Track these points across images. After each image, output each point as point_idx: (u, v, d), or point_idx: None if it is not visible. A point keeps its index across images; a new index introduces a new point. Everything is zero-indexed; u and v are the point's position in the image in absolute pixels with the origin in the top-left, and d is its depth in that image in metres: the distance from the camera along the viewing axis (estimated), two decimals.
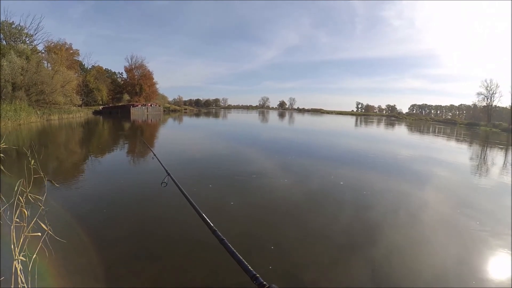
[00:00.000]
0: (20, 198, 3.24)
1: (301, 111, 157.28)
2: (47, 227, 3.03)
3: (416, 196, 9.29)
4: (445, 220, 7.38)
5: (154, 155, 4.32)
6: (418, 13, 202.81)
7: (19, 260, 2.76)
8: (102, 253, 4.83)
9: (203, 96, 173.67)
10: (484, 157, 21.15)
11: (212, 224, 1.57)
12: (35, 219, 2.96)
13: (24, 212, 3.11)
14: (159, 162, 3.75)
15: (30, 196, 3.20)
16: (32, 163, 3.33)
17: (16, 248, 2.79)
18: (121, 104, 68.65)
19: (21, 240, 2.84)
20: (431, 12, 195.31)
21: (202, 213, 1.77)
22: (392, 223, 6.84)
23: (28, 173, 3.22)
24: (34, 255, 2.87)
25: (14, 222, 2.96)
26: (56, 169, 11.22)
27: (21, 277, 2.74)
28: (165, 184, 3.03)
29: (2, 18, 44.81)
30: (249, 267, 1.12)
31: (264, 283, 1.00)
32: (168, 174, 3.04)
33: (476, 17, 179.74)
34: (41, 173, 3.36)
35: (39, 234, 2.94)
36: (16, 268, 2.71)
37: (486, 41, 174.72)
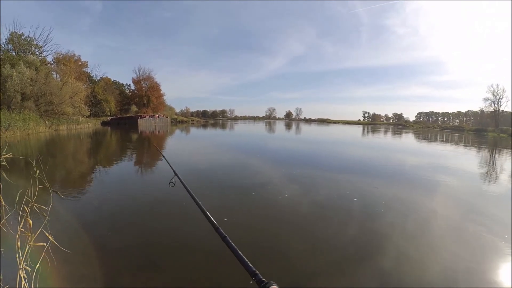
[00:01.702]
0: (26, 207, 3.27)
1: (308, 121, 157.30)
2: (51, 237, 3.05)
3: (425, 203, 9.21)
4: (454, 227, 7.31)
5: (163, 156, 4.35)
6: (422, 21, 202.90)
7: (24, 269, 2.78)
8: (107, 264, 4.83)
9: (209, 107, 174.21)
10: (493, 163, 20.98)
11: (215, 222, 1.59)
12: (40, 229, 2.99)
13: (29, 221, 3.13)
14: (167, 162, 3.77)
15: (35, 206, 3.23)
16: (37, 174, 3.36)
17: (21, 257, 2.81)
18: (129, 115, 69.27)
19: (26, 249, 2.87)
20: (435, 19, 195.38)
21: (205, 210, 1.79)
22: (401, 231, 6.77)
23: (33, 183, 3.25)
24: (38, 265, 2.88)
25: (19, 231, 2.99)
26: (63, 179, 11.29)
27: (25, 286, 2.76)
28: (172, 184, 3.06)
29: (12, 29, 45.60)
30: (250, 264, 1.14)
31: (263, 279, 1.01)
32: (176, 175, 3.07)
33: (480, 22, 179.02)
34: (47, 184, 3.39)
35: (44, 244, 2.96)
36: (20, 277, 2.73)
37: (492, 46, 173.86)
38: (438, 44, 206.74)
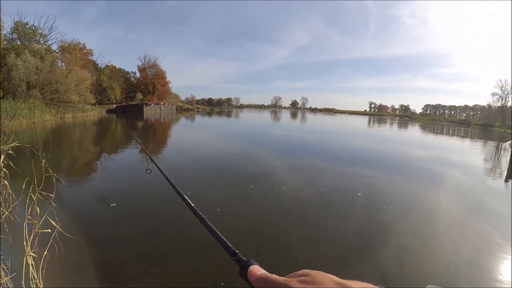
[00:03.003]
0: (32, 195, 3.30)
1: (314, 110, 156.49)
2: (57, 225, 3.08)
3: (428, 197, 9.21)
4: (457, 222, 7.33)
5: (139, 143, 4.36)
6: (431, 12, 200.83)
7: (31, 256, 2.82)
8: (112, 251, 4.89)
9: (215, 95, 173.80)
10: (498, 158, 20.81)
11: (193, 205, 1.60)
12: (44, 216, 3.02)
13: (36, 209, 3.17)
14: (144, 149, 3.78)
15: (41, 194, 3.27)
16: (43, 162, 3.39)
17: (28, 244, 2.85)
18: (134, 103, 69.09)
19: (32, 236, 2.90)
20: (444, 11, 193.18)
21: (183, 194, 1.80)
22: (404, 224, 6.79)
23: (39, 172, 3.29)
24: (45, 252, 2.92)
25: (26, 219, 3.02)
26: (69, 167, 11.35)
27: (33, 273, 2.80)
28: (149, 171, 3.08)
29: (16, 19, 45.58)
30: (229, 244, 1.10)
31: (243, 258, 0.97)
32: (152, 161, 3.09)
33: (490, 16, 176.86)
34: (51, 172, 3.43)
35: (49, 230, 2.99)
36: (28, 264, 2.77)
37: (502, 40, 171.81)
38: (447, 36, 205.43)
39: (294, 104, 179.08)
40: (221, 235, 1.21)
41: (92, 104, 51.89)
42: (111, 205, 5.88)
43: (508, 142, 29.32)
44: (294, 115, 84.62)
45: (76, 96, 43.18)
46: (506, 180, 12.79)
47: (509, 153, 22.34)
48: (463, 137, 38.67)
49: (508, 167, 15.66)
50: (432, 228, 6.68)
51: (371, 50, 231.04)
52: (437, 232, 6.48)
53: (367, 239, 5.89)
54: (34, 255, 2.85)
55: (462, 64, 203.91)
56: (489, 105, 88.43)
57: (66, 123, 32.31)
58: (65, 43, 55.05)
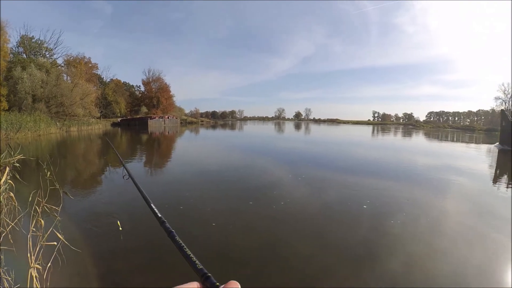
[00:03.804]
0: (37, 208, 3.32)
1: (317, 121, 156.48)
2: (62, 237, 3.09)
3: (436, 204, 9.16)
4: (465, 229, 7.27)
5: (114, 150, 4.34)
6: (431, 18, 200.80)
7: (35, 268, 2.83)
8: (116, 264, 4.88)
9: (219, 108, 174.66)
10: (503, 163, 20.78)
11: (160, 215, 1.52)
12: (51, 229, 3.03)
13: (41, 222, 3.18)
14: (118, 155, 3.76)
15: (46, 206, 3.28)
16: (48, 175, 3.40)
17: (32, 257, 2.86)
18: (139, 117, 69.57)
19: (37, 248, 2.91)
20: (444, 17, 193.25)
21: (151, 203, 1.73)
22: (411, 232, 6.75)
23: (44, 184, 3.29)
24: (49, 264, 2.92)
25: (30, 231, 3.04)
26: (74, 179, 11.40)
27: (37, 285, 2.80)
28: (127, 177, 3.04)
29: (23, 33, 46.22)
30: (198, 265, 0.93)
31: (217, 284, 0.84)
32: (124, 167, 3.05)
33: (491, 19, 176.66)
34: (57, 185, 3.44)
35: (55, 243, 3.00)
36: (32, 276, 2.77)
37: (503, 43, 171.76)
38: (448, 42, 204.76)
39: (297, 115, 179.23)
40: (190, 252, 1.08)
41: (97, 118, 52.26)
42: (118, 223, 5.85)
43: (495, 144, 30.70)
44: (297, 127, 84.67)
45: (81, 110, 43.62)
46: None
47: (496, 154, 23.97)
48: (467, 142, 38.87)
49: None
50: (440, 234, 6.64)
51: (374, 59, 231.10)
52: (444, 237, 6.45)
53: (375, 249, 5.85)
54: (39, 267, 2.85)
55: (463, 70, 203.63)
56: (493, 110, 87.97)
57: (71, 136, 32.55)
58: (70, 57, 55.91)
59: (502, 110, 28.94)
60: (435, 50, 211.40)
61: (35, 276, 2.80)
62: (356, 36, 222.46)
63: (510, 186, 12.16)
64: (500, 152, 25.62)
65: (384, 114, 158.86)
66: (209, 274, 0.88)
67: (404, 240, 6.29)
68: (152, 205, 1.74)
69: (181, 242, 1.19)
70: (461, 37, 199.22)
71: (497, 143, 29.99)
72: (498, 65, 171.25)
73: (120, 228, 5.63)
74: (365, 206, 8.42)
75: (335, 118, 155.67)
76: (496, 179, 13.89)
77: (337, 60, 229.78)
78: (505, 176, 14.85)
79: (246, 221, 7.17)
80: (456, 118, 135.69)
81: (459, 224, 7.62)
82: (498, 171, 16.40)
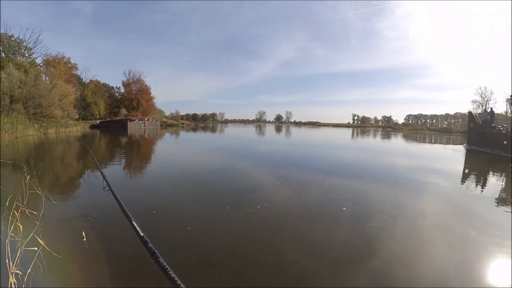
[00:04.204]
0: (16, 212, 3.26)
1: (298, 124, 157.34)
2: (42, 242, 3.05)
3: (414, 205, 9.33)
4: (444, 228, 7.42)
5: (93, 157, 4.32)
6: (411, 24, 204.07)
7: (14, 274, 2.78)
8: (99, 270, 4.83)
9: (200, 111, 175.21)
10: (471, 163, 22.12)
11: (142, 234, 1.46)
12: (32, 234, 2.98)
13: (19, 226, 3.13)
14: (99, 168, 3.74)
15: (27, 211, 3.23)
16: (27, 179, 3.35)
17: (11, 263, 2.81)
18: (118, 119, 68.93)
19: (17, 254, 2.87)
20: (423, 23, 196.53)
21: (133, 221, 1.68)
22: (391, 233, 6.85)
23: (24, 189, 3.25)
24: (29, 270, 2.88)
25: (8, 236, 2.98)
26: (52, 183, 11.16)
27: None
28: (107, 189, 3.02)
29: (2, 31, 45.26)
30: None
31: None
32: (104, 179, 3.02)
33: (466, 25, 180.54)
34: (39, 190, 3.39)
35: (36, 249, 2.95)
36: (11, 282, 2.73)
37: (480, 48, 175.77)
38: (426, 47, 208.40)
39: (278, 118, 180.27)
40: (175, 275, 1.03)
41: (75, 119, 51.45)
42: (83, 233, 5.74)
43: (463, 144, 33.21)
44: (278, 129, 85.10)
45: (60, 111, 42.80)
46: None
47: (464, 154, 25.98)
48: (445, 144, 40.85)
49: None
50: (417, 233, 6.77)
51: (354, 63, 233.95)
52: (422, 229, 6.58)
53: (356, 250, 5.92)
54: (18, 272, 2.81)
55: (442, 74, 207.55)
56: (470, 112, 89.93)
57: (49, 138, 31.90)
58: (49, 57, 55.09)
59: (469, 112, 31.32)
60: (414, 55, 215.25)
61: (14, 282, 2.76)
62: (337, 41, 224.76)
63: (479, 185, 13.10)
64: (468, 151, 27.51)
65: (363, 117, 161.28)
66: None
67: (383, 240, 6.39)
68: (133, 222, 1.68)
69: (165, 264, 1.17)
70: (439, 43, 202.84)
71: (465, 143, 32.07)
72: (475, 70, 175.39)
73: (84, 239, 5.51)
74: (344, 208, 8.50)
75: (315, 121, 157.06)
76: (464, 178, 14.68)
77: (318, 64, 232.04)
78: (473, 175, 15.79)
79: (224, 225, 7.13)
80: (434, 121, 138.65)
81: (434, 221, 7.86)
82: (466, 170, 17.43)
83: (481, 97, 78.21)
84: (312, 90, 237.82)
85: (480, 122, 28.74)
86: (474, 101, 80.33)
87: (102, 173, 3.03)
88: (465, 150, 28.61)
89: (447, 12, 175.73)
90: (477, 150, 27.38)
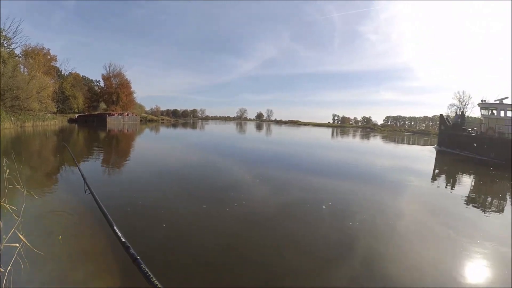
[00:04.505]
0: None
1: (279, 122, 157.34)
2: (23, 238, 3.06)
3: (392, 204, 9.62)
4: (421, 227, 7.67)
5: (74, 160, 4.32)
6: (394, 28, 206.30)
7: None
8: (81, 266, 4.85)
9: (180, 107, 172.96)
10: (441, 163, 23.68)
11: (124, 240, 1.46)
12: (13, 230, 2.98)
13: None
14: (80, 170, 3.73)
15: (8, 206, 3.23)
16: (7, 173, 3.34)
17: None
18: (97, 113, 67.94)
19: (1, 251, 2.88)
20: (406, 27, 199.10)
21: (114, 226, 1.69)
22: (370, 231, 7.01)
23: (6, 183, 3.24)
24: (9, 267, 2.89)
25: None
26: (30, 178, 11.01)
27: None
28: (88, 192, 3.04)
29: None
30: None
31: None
32: (85, 182, 3.04)
33: (448, 29, 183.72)
34: (19, 185, 3.38)
35: (17, 245, 2.95)
36: None
37: (460, 52, 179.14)
38: (408, 51, 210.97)
39: (259, 116, 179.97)
40: (158, 283, 1.03)
41: (53, 113, 50.53)
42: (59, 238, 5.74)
43: (434, 145, 35.01)
44: (259, 127, 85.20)
45: (37, 104, 41.89)
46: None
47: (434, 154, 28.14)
48: (422, 145, 41.95)
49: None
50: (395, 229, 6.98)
51: (336, 64, 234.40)
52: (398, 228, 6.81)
53: (335, 247, 6.08)
54: (0, 269, 2.84)
55: (422, 78, 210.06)
56: (441, 115, 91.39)
57: (26, 132, 31.28)
58: (29, 48, 53.71)
59: (441, 115, 32.36)
60: (396, 58, 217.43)
61: None
62: (320, 42, 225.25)
63: (449, 185, 14.01)
64: (438, 152, 29.26)
65: (343, 117, 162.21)
66: None
67: (363, 237, 6.58)
68: (115, 227, 1.71)
69: (147, 270, 1.20)
70: (420, 47, 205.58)
71: (436, 145, 33.76)
72: (454, 74, 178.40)
73: (60, 237, 5.50)
74: (324, 207, 8.65)
75: (296, 120, 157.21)
76: (434, 177, 15.86)
77: (301, 64, 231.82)
78: (443, 175, 17.21)
79: (202, 222, 7.18)
80: (413, 123, 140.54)
81: (409, 218, 8.24)
82: (436, 170, 18.94)
83: (459, 101, 79.58)
84: (294, 90, 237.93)
85: (451, 124, 30.05)
86: (452, 105, 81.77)
87: (83, 176, 3.04)
88: (435, 151, 30.43)
89: (431, 16, 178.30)
90: (447, 151, 28.63)
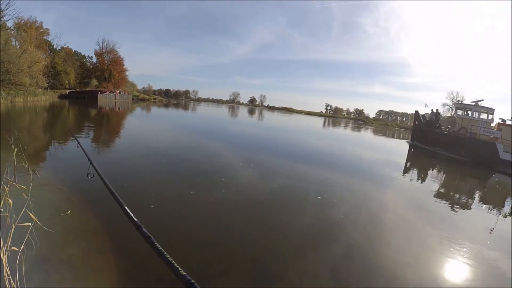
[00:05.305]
0: (5, 187, 3.17)
1: (271, 108, 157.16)
2: (34, 217, 2.98)
3: (376, 197, 10.00)
4: (403, 221, 7.81)
5: (78, 143, 4.23)
6: (393, 23, 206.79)
7: (5, 252, 2.72)
8: (88, 244, 4.81)
9: (173, 87, 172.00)
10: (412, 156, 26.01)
11: (136, 219, 1.46)
12: (24, 209, 2.91)
13: (9, 201, 3.05)
14: (83, 151, 3.65)
15: (17, 185, 3.14)
16: (15, 152, 3.24)
17: (1, 240, 2.74)
18: (88, 90, 66.97)
19: (12, 230, 2.80)
20: (406, 23, 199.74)
21: (125, 207, 1.67)
22: (353, 222, 7.11)
23: (15, 161, 3.15)
24: (22, 247, 2.82)
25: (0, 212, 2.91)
26: (31, 155, 10.80)
27: (6, 270, 2.70)
28: (91, 175, 2.96)
29: None
30: (181, 271, 0.95)
31: None
32: (91, 164, 2.95)
33: (449, 29, 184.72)
34: (26, 164, 3.28)
35: (29, 224, 2.89)
36: (1, 260, 2.67)
37: (459, 53, 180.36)
38: (406, 47, 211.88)
39: (252, 101, 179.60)
40: (171, 259, 1.00)
41: (44, 88, 49.81)
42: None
43: (407, 140, 38.26)
44: (251, 112, 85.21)
45: (28, 79, 41.17)
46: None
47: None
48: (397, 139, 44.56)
49: None
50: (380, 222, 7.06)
51: (332, 53, 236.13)
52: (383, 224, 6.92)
53: (319, 236, 6.14)
54: (16, 249, 2.76)
55: (418, 75, 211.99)
56: (416, 111, 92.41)
57: (16, 107, 30.78)
58: (21, 20, 52.54)
59: (416, 111, 33.22)
60: (393, 53, 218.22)
61: (5, 260, 2.70)
62: (317, 30, 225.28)
63: (421, 179, 15.14)
64: (411, 146, 31.92)
65: (336, 108, 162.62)
66: (193, 281, 0.90)
67: (346, 228, 6.81)
68: (126, 208, 1.66)
69: (160, 247, 1.16)
70: (419, 44, 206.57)
71: (409, 139, 36.11)
72: (450, 74, 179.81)
73: (69, 212, 5.45)
74: (319, 198, 8.75)
75: (289, 107, 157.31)
76: (406, 170, 16.98)
77: (296, 51, 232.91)
78: (415, 170, 18.20)
79: (191, 207, 7.20)
80: (404, 119, 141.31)
81: (387, 208, 8.66)
82: (408, 164, 20.40)
83: (452, 101, 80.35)
84: (288, 76, 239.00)
85: (426, 121, 31.46)
86: (444, 105, 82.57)
87: (89, 160, 2.93)
88: (408, 145, 33.30)
89: (431, 15, 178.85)
90: (418, 146, 30.70)
